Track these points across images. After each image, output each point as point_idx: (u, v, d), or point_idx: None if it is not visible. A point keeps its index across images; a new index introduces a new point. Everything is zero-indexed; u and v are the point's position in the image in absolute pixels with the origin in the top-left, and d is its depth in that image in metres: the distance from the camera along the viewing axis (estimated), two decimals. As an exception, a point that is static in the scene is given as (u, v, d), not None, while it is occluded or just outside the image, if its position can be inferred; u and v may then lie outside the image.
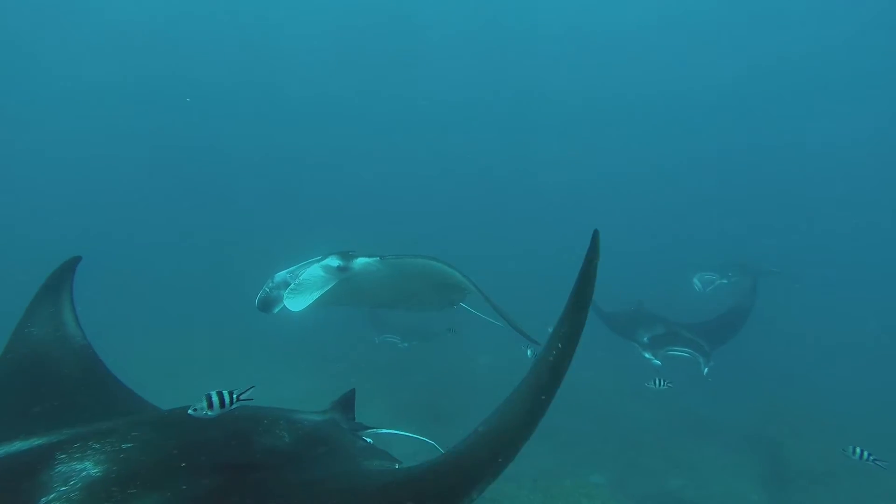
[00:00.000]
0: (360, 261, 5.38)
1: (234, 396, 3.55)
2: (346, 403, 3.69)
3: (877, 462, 5.61)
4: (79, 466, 2.16)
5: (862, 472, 9.05)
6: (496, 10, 28.55)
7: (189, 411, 2.94)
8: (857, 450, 5.68)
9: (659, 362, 8.28)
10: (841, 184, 30.65)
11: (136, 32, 29.15)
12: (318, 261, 5.36)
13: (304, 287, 5.21)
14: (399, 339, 12.12)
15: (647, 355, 8.43)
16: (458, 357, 13.29)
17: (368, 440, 3.34)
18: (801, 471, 8.96)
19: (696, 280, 13.27)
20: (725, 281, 13.17)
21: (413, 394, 11.45)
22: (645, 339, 8.61)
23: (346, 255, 5.41)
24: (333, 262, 5.31)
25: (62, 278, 3.68)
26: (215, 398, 3.29)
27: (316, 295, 5.21)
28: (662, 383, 7.14)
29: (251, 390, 3.69)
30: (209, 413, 3.10)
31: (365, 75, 32.14)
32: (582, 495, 7.15)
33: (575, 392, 11.92)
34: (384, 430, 3.75)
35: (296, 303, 5.12)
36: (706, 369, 8.08)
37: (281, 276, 5.36)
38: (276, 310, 5.27)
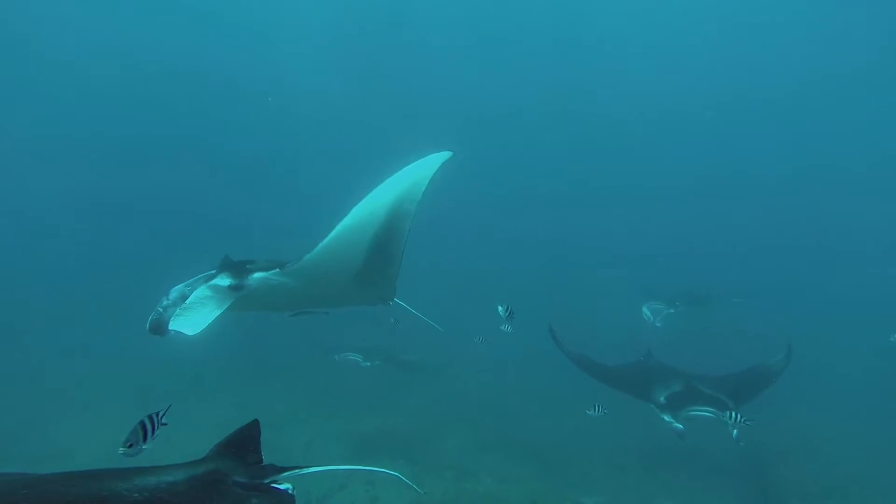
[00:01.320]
0: (258, 276, 4.84)
1: (158, 420, 2.99)
2: (243, 443, 2.74)
3: (746, 422, 6.49)
4: None
5: (854, 492, 9.02)
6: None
7: (120, 451, 2.45)
8: (732, 414, 6.64)
9: (681, 426, 7.28)
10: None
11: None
12: (207, 279, 4.80)
13: (192, 311, 4.63)
14: (361, 357, 11.63)
15: (666, 418, 7.40)
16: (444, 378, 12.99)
17: (284, 487, 2.55)
18: (791, 492, 8.85)
19: (645, 310, 13.31)
20: (672, 311, 13.26)
21: (393, 419, 11.08)
22: (661, 398, 7.59)
23: (239, 271, 4.86)
24: (223, 281, 4.77)
25: None
26: (148, 424, 2.76)
27: (208, 319, 4.63)
28: (599, 409, 7.24)
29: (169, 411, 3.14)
30: (143, 446, 2.58)
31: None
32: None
33: (559, 416, 11.74)
34: (312, 469, 2.83)
35: (185, 327, 4.52)
36: (735, 431, 6.98)
37: (178, 290, 4.73)
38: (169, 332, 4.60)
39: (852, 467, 9.38)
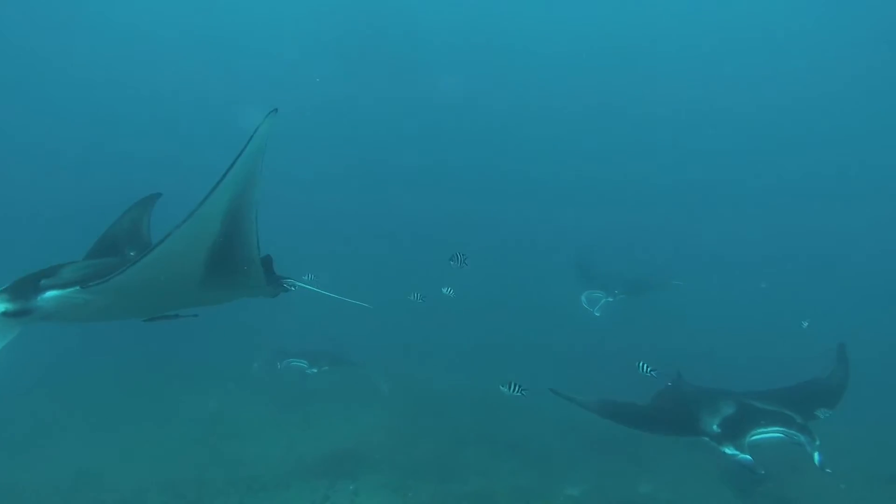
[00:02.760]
0: (51, 295, 3.99)
1: None
2: None
3: (522, 392, 6.09)
4: None
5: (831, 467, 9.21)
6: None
7: None
8: (643, 365, 6.20)
9: (749, 457, 6.00)
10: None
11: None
12: None
13: None
14: (306, 364, 10.91)
15: (728, 451, 6.10)
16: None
17: None
18: (771, 467, 8.97)
19: (583, 298, 13.16)
20: (612, 299, 13.08)
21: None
22: (714, 427, 6.26)
23: (24, 291, 3.98)
24: None
25: None
26: None
27: None
28: (516, 388, 6.18)
29: None
30: None
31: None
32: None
33: (534, 406, 11.63)
34: None
35: None
36: (817, 455, 5.83)
37: None
38: None
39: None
